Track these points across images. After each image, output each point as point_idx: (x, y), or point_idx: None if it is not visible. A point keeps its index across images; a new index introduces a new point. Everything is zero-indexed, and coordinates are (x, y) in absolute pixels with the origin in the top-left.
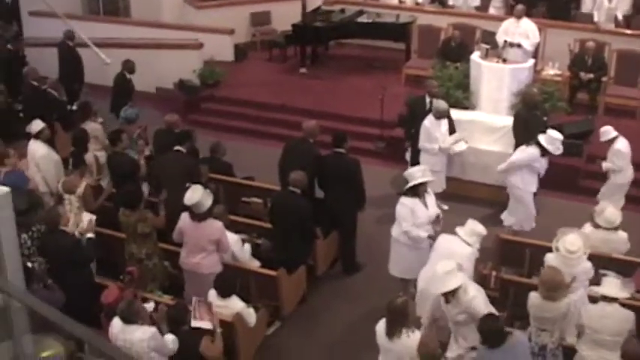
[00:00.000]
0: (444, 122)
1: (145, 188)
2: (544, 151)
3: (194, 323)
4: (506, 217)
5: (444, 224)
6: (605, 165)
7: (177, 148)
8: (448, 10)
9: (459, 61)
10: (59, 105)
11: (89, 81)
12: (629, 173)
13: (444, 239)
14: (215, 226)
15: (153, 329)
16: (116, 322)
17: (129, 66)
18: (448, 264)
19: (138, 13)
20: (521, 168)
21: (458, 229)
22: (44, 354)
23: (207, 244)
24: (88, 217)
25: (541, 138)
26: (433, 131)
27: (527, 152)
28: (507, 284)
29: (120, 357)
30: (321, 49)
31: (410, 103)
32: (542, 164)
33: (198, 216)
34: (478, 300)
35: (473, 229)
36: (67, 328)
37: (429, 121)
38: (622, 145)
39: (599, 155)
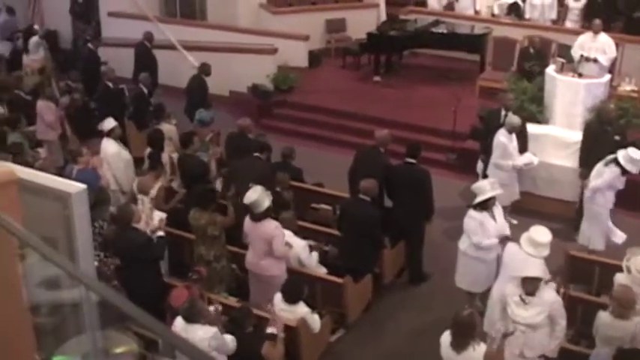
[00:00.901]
0: (515, 137)
1: (218, 185)
2: (624, 170)
3: (269, 330)
4: (581, 236)
5: (513, 240)
6: None
7: (256, 154)
8: (524, 22)
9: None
10: (144, 102)
11: (162, 82)
12: None
13: (511, 252)
14: (269, 225)
15: (214, 329)
16: (178, 322)
17: (205, 69)
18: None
19: (214, 16)
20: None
21: (522, 242)
22: (118, 350)
23: (263, 244)
24: (159, 216)
25: (620, 157)
26: (509, 147)
27: (609, 174)
28: (575, 302)
29: (200, 356)
30: (395, 58)
31: (485, 116)
32: (622, 182)
33: (256, 216)
34: (561, 304)
35: (532, 238)
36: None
37: (504, 136)
38: None
39: None
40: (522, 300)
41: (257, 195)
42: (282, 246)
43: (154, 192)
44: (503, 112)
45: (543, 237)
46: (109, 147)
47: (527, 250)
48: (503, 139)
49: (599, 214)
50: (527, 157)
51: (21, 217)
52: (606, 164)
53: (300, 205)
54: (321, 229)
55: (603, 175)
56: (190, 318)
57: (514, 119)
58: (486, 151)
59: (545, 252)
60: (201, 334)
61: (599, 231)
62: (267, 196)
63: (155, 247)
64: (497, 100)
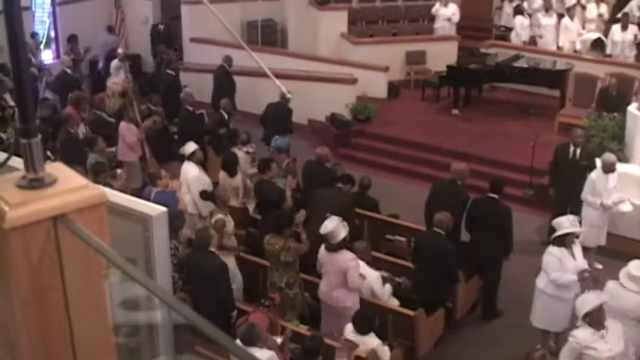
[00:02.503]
0: (613, 177)
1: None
2: None
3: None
4: None
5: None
6: None
7: (339, 186)
8: (606, 59)
9: (616, 110)
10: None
11: (239, 108)
12: None
13: (611, 289)
14: (346, 256)
15: (271, 353)
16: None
17: (289, 99)
18: None
19: (295, 45)
20: None
21: (621, 276)
22: None
23: (338, 275)
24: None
25: None
26: (598, 185)
27: None
28: None
29: None
30: (474, 92)
31: (557, 150)
32: None
33: (331, 246)
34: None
35: (630, 272)
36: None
37: (595, 174)
38: None
39: None
40: (602, 336)
41: (334, 225)
42: (357, 277)
43: (213, 220)
44: (571, 148)
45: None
46: (190, 170)
47: (628, 286)
48: (593, 176)
49: None
50: (617, 196)
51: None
52: None
53: (374, 236)
54: (394, 261)
55: None
56: (248, 341)
57: (608, 157)
58: (555, 186)
59: None
60: (258, 357)
61: None
62: (344, 227)
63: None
64: (569, 135)
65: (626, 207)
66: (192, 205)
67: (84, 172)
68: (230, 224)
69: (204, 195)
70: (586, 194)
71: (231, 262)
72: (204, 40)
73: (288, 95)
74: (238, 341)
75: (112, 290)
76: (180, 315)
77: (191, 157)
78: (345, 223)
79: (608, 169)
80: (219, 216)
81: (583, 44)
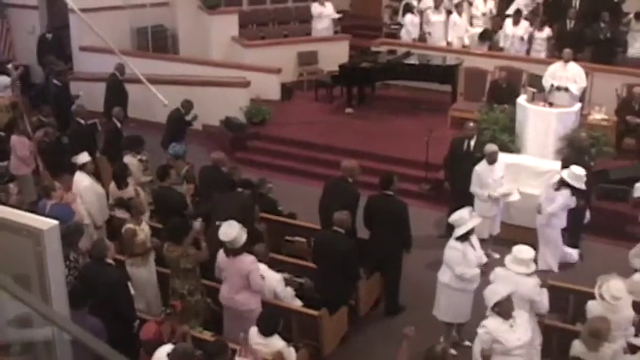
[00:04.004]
0: (499, 167)
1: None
2: (572, 189)
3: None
4: (541, 262)
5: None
6: None
7: (239, 190)
8: (495, 53)
9: (507, 102)
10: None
11: (134, 116)
12: None
13: (501, 276)
14: (246, 260)
15: None
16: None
17: (187, 106)
18: None
19: (186, 50)
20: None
21: (508, 262)
22: None
23: (240, 279)
24: None
25: (567, 178)
26: (484, 177)
27: (563, 197)
28: (551, 330)
29: None
30: (367, 90)
31: (451, 144)
32: (573, 201)
33: (232, 251)
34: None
35: (517, 256)
36: None
37: (480, 167)
38: None
39: None
40: (510, 325)
41: (236, 232)
42: (260, 280)
43: (122, 230)
44: (465, 141)
45: (527, 253)
46: (82, 181)
47: (517, 270)
48: (478, 168)
49: (557, 236)
50: (505, 188)
51: None
52: (556, 189)
53: (274, 237)
54: (296, 262)
55: (557, 199)
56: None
57: (488, 147)
58: (450, 180)
59: (534, 266)
60: None
61: (556, 253)
62: (244, 232)
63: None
64: (461, 129)
65: (513, 197)
66: (86, 215)
67: None
68: (143, 233)
69: (121, 202)
70: (474, 187)
71: (144, 271)
72: (94, 49)
73: (165, 102)
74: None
75: (3, 308)
76: (65, 332)
77: (83, 168)
78: (244, 227)
79: (491, 159)
80: (129, 225)
81: (471, 38)
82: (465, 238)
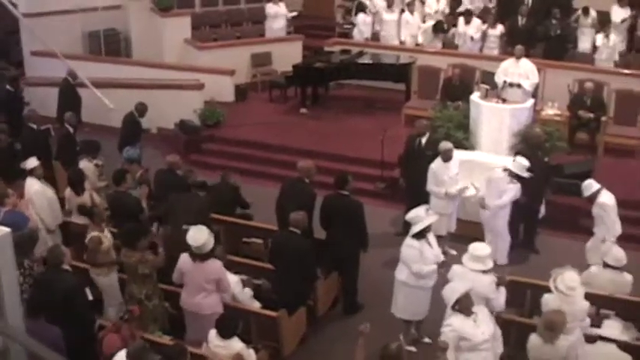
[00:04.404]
0: (454, 164)
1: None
2: (518, 179)
3: None
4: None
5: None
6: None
7: (195, 192)
8: (447, 50)
9: (460, 99)
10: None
11: (89, 120)
12: (617, 226)
13: (458, 274)
14: (215, 265)
15: None
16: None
17: (141, 109)
18: None
19: (139, 53)
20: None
21: (464, 260)
22: None
23: (207, 284)
24: None
25: (514, 169)
26: (440, 174)
27: (512, 190)
28: (508, 325)
29: None
30: (321, 90)
31: (406, 141)
32: (519, 192)
33: (200, 256)
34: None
35: (473, 253)
36: None
37: (435, 164)
38: (607, 197)
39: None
40: (474, 320)
41: (205, 237)
42: (229, 283)
43: (87, 240)
44: (417, 139)
45: (484, 250)
46: (33, 185)
47: (473, 267)
48: (434, 166)
49: (504, 229)
50: (461, 184)
51: None
52: (509, 181)
53: (231, 239)
54: (253, 263)
55: (508, 192)
56: None
57: (443, 145)
58: (405, 178)
59: (491, 263)
60: None
61: (504, 246)
62: (212, 236)
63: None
64: (413, 127)
65: (469, 192)
66: (38, 220)
67: None
68: (107, 240)
69: (83, 210)
70: (430, 185)
71: (111, 278)
72: (46, 54)
73: (111, 106)
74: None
75: None
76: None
77: (32, 172)
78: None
79: (446, 157)
80: (94, 234)
81: (425, 33)
82: (421, 235)
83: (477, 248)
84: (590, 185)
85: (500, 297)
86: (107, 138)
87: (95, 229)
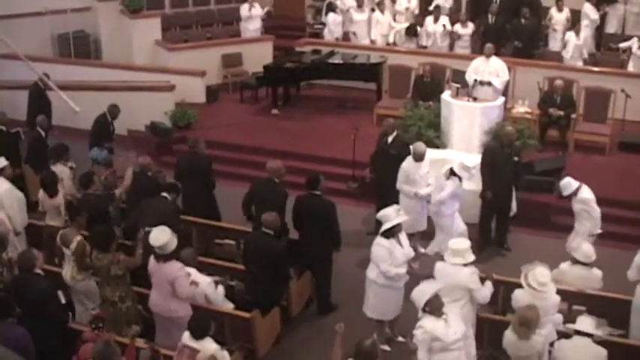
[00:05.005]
0: (425, 164)
1: (118, 231)
2: (461, 179)
3: None
4: (432, 247)
5: (426, 267)
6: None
7: (164, 195)
8: (418, 49)
9: (431, 98)
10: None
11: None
12: (599, 221)
13: (441, 269)
14: (173, 267)
15: None
16: None
17: (114, 111)
18: None
19: (109, 55)
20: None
21: (445, 255)
22: None
23: (167, 285)
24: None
25: (456, 167)
26: (412, 174)
27: (451, 186)
28: (482, 322)
29: None
30: (292, 90)
31: (377, 141)
32: (464, 191)
33: (162, 257)
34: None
35: (453, 248)
36: None
37: (407, 164)
38: (588, 192)
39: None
40: (445, 320)
41: (166, 237)
42: (187, 287)
43: (73, 246)
44: (384, 138)
45: (463, 244)
46: (1, 185)
47: (453, 261)
48: (405, 165)
49: (449, 224)
50: (431, 188)
51: None
52: (447, 178)
53: (204, 240)
54: (226, 265)
55: (446, 188)
56: None
57: (417, 146)
58: (374, 176)
59: (471, 257)
60: None
61: (444, 239)
62: (175, 237)
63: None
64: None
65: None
66: (6, 221)
67: None
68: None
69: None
70: (401, 184)
71: (91, 282)
72: (15, 56)
73: (77, 109)
74: None
75: None
76: None
77: (1, 172)
78: (174, 233)
79: (419, 158)
80: (79, 237)
81: (398, 34)
82: (390, 234)
83: (456, 243)
84: (570, 184)
85: (484, 290)
86: (77, 141)
87: (77, 233)
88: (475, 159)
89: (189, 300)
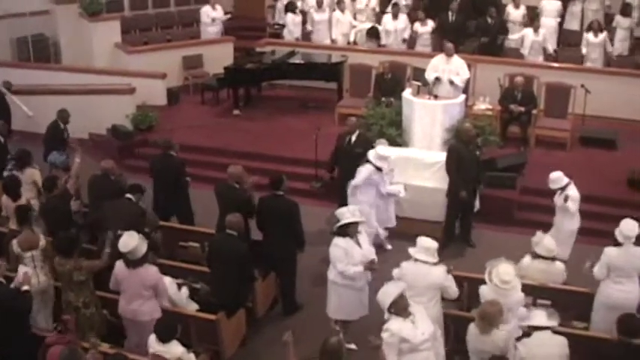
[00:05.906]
0: (388, 162)
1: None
2: (377, 167)
3: None
4: None
5: (392, 264)
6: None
7: (128, 196)
8: (379, 48)
9: (392, 95)
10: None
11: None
12: (578, 218)
13: (409, 269)
14: (151, 271)
15: None
16: None
17: (63, 116)
18: None
19: (69, 58)
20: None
21: (414, 254)
22: None
23: (144, 290)
24: (23, 270)
25: (371, 156)
26: (371, 173)
27: (364, 172)
28: (447, 318)
29: None
30: (253, 91)
31: (337, 139)
32: (379, 179)
33: (133, 262)
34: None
35: (423, 246)
36: None
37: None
38: (575, 190)
39: (532, 187)
40: (412, 321)
41: (136, 242)
42: (166, 288)
43: (42, 244)
44: (347, 137)
45: (432, 243)
46: None
47: (424, 259)
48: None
49: (367, 212)
50: (394, 187)
51: None
52: (362, 165)
53: (168, 243)
54: (190, 267)
55: (360, 173)
56: None
57: (377, 151)
58: (337, 174)
59: (437, 256)
60: None
61: (369, 232)
62: (144, 241)
63: (21, 301)
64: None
65: (401, 194)
66: None
67: None
68: None
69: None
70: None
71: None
72: None
73: (30, 114)
74: None
75: None
76: None
77: None
78: (143, 237)
79: (381, 157)
80: (43, 242)
81: (359, 34)
82: (346, 233)
83: (424, 241)
84: (560, 178)
85: (453, 284)
86: (38, 145)
87: (39, 235)
88: (439, 155)
89: (160, 302)
